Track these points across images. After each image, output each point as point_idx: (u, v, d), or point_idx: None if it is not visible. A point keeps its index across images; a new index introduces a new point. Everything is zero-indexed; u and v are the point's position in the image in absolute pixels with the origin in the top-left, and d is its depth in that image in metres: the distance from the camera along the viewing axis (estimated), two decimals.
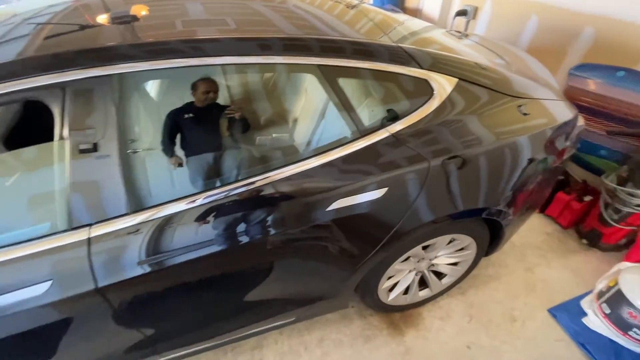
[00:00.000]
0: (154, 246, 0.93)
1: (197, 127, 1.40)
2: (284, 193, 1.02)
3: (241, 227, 1.02)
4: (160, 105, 1.37)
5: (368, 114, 1.09)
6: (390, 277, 1.39)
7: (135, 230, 0.91)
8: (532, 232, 2.06)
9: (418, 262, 1.41)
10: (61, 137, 0.84)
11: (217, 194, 0.98)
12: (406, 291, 1.50)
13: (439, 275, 1.54)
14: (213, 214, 0.98)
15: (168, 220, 0.94)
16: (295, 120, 1.58)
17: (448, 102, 1.12)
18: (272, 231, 1.03)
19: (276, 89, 1.68)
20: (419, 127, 1.09)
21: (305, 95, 1.48)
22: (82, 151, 0.85)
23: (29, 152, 1.15)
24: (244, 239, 1.02)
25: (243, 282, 1.17)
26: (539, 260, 1.89)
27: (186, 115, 1.36)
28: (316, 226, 1.07)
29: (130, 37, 0.95)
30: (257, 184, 1.00)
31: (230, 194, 0.99)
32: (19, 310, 0.87)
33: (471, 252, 1.46)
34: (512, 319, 1.60)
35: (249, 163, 1.46)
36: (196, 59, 0.93)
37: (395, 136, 1.06)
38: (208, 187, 1.06)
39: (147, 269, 0.93)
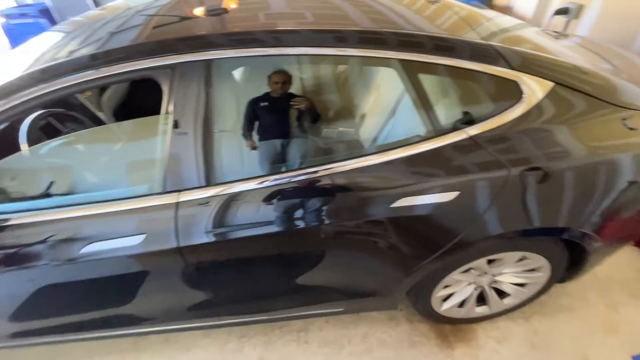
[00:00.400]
0: (220, 219, 1.03)
1: (270, 115, 1.50)
2: (345, 185, 1.05)
3: (299, 212, 1.07)
4: (244, 92, 1.50)
5: (445, 113, 1.06)
6: (446, 287, 1.33)
7: (205, 202, 1.02)
8: (622, 266, 1.78)
9: (480, 275, 1.32)
10: (166, 112, 0.97)
11: (281, 179, 1.05)
12: (462, 304, 1.42)
13: (501, 293, 1.43)
14: (275, 197, 1.05)
15: (234, 197, 1.03)
16: (363, 116, 1.59)
17: (537, 107, 1.03)
18: (329, 220, 1.07)
19: (347, 84, 1.71)
20: (501, 132, 1.02)
21: (376, 91, 1.48)
22: (179, 127, 0.98)
23: (135, 124, 1.35)
24: (301, 224, 1.07)
25: (296, 265, 1.23)
26: (627, 299, 1.64)
27: (262, 104, 1.48)
28: (375, 222, 1.07)
29: (220, 27, 1.06)
30: (319, 174, 1.04)
31: (293, 180, 1.05)
32: (114, 255, 1.04)
33: (543, 275, 1.32)
34: (584, 357, 1.42)
35: (314, 153, 1.52)
36: (275, 48, 1.00)
37: (473, 139, 1.01)
38: (274, 171, 1.14)
39: (212, 239, 1.04)
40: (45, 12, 5.08)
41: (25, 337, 1.33)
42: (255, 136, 1.45)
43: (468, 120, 1.05)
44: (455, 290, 1.38)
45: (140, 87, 2.16)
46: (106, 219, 1.03)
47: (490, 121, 1.03)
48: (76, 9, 5.05)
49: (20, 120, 1.33)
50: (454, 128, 1.04)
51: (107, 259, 1.05)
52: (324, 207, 1.07)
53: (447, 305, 1.41)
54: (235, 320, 1.39)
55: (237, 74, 1.53)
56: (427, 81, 1.05)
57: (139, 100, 2.02)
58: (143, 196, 1.03)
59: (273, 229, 1.06)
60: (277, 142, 1.49)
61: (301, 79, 1.70)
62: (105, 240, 1.03)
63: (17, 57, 1.18)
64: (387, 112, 1.31)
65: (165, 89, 0.96)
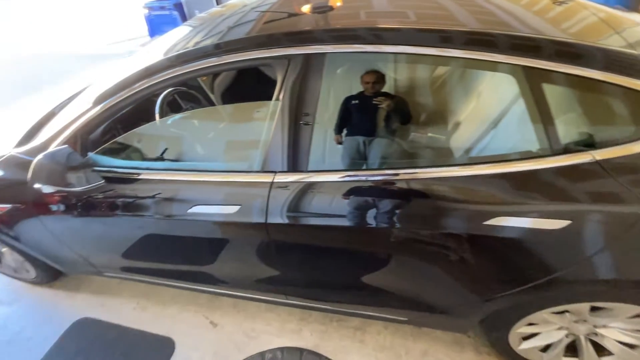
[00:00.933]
0: (300, 204, 1.09)
1: (360, 112, 1.53)
2: (426, 192, 1.01)
3: (373, 211, 1.06)
4: (343, 89, 1.55)
5: (566, 130, 0.93)
6: (531, 324, 1.18)
7: (293, 186, 1.08)
8: None
9: (577, 322, 1.14)
10: (277, 99, 1.06)
11: (361, 176, 1.06)
12: (546, 348, 1.25)
13: (601, 349, 1.21)
14: (352, 192, 1.06)
15: (314, 185, 1.08)
16: (458, 123, 1.49)
17: None
18: (403, 225, 1.04)
19: (444, 88, 1.62)
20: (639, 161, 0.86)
21: (477, 98, 1.37)
22: (287, 114, 1.06)
23: (242, 107, 1.49)
24: (372, 223, 1.06)
25: (362, 263, 1.23)
26: None
27: (354, 101, 1.51)
28: (456, 236, 1.01)
29: (323, 23, 1.10)
30: (401, 176, 1.02)
31: (373, 178, 1.05)
32: (209, 220, 1.18)
33: None
34: None
35: (398, 155, 1.49)
36: (373, 45, 1.00)
37: (600, 164, 0.87)
38: (354, 167, 1.16)
39: (291, 221, 1.10)
40: (179, 6, 6.02)
41: (128, 273, 1.61)
42: (343, 131, 1.49)
43: (592, 142, 0.91)
44: (541, 331, 1.21)
45: (244, 76, 2.38)
46: (209, 187, 1.17)
47: (626, 146, 0.87)
48: (203, 3, 5.86)
49: (157, 95, 1.60)
50: (574, 149, 0.91)
51: (202, 222, 1.20)
52: (400, 211, 1.05)
53: (527, 344, 1.25)
54: (297, 302, 1.46)
55: (341, 71, 1.59)
56: (551, 92, 0.93)
57: (242, 87, 2.23)
58: (243, 172, 1.14)
59: (344, 222, 1.08)
60: (361, 139, 1.50)
61: (396, 79, 1.68)
62: (205, 205, 1.17)
63: (157, 46, 1.42)
64: (487, 122, 1.21)
65: (279, 78, 1.05)
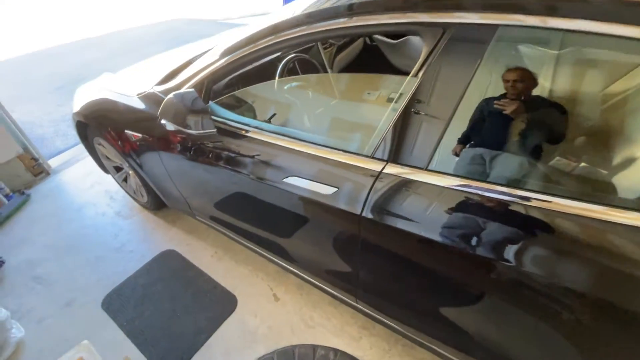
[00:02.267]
0: (396, 204, 0.91)
1: (492, 117, 1.21)
2: (565, 230, 0.73)
3: (482, 235, 0.82)
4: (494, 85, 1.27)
5: None
6: None
7: (403, 183, 0.90)
8: None
9: None
10: (415, 75, 0.88)
11: (478, 188, 0.84)
12: None
13: None
14: (465, 207, 0.84)
15: (425, 187, 0.88)
16: (635, 159, 1.08)
17: None
18: (518, 263, 0.78)
19: (623, 107, 1.19)
20: None
21: None
22: (423, 100, 0.88)
23: (362, 81, 1.36)
24: (474, 249, 0.82)
25: (447, 292, 1.00)
26: None
27: (490, 103, 1.20)
28: (608, 305, 0.70)
29: None
30: (533, 203, 0.77)
31: (490, 195, 0.82)
32: (300, 194, 1.09)
33: None
34: None
35: (533, 176, 1.15)
36: (538, 17, 0.72)
37: None
38: (471, 176, 0.91)
39: (384, 220, 0.94)
40: None
41: (215, 222, 1.68)
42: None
43: None
44: None
45: (368, 54, 2.23)
46: (310, 160, 1.08)
47: None
48: None
49: (280, 60, 1.60)
50: None
51: (292, 194, 1.12)
52: (519, 244, 0.79)
53: None
54: (366, 309, 1.31)
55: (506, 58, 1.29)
56: None
57: (362, 67, 2.09)
58: (350, 153, 1.01)
59: (448, 239, 0.86)
60: (483, 152, 1.20)
61: (553, 81, 1.30)
62: (301, 177, 1.09)
63: (289, 7, 1.36)
64: None
65: (424, 50, 0.86)
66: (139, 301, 1.68)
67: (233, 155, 1.26)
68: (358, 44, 2.25)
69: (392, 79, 1.01)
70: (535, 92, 1.12)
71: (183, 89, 1.30)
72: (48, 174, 2.76)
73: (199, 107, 1.17)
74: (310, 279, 1.45)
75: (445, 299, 1.04)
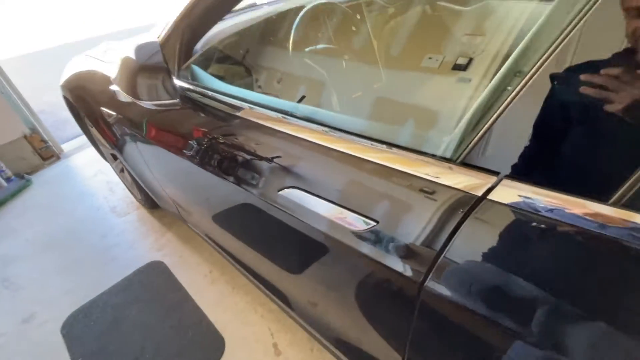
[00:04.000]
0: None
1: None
2: None
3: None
4: None
5: None
6: None
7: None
8: None
9: None
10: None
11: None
12: None
13: None
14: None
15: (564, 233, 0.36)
16: None
17: None
18: None
19: None
20: None
21: None
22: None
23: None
24: None
25: None
26: None
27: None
28: None
29: None
30: None
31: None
32: (307, 225, 0.60)
33: None
34: None
35: None
36: None
37: None
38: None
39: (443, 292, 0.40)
40: None
41: (202, 232, 1.26)
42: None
43: None
44: None
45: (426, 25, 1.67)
46: (333, 162, 0.59)
47: None
48: None
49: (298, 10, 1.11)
50: None
51: (293, 218, 0.63)
52: None
53: None
54: None
55: None
56: None
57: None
58: (408, 151, 0.50)
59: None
60: None
61: None
62: (309, 193, 0.60)
63: None
64: None
65: None
66: (105, 328, 1.31)
67: (214, 143, 0.80)
68: (415, 12, 1.70)
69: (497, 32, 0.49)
70: None
71: (148, 40, 0.86)
72: (59, 158, 2.55)
73: (153, 65, 0.73)
74: (323, 340, 0.95)
75: None
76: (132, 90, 0.73)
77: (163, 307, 1.36)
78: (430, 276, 0.45)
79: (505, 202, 0.39)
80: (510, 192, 0.40)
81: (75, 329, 1.32)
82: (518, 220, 0.38)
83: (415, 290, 0.46)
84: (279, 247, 0.86)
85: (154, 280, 1.48)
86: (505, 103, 0.40)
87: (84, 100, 1.34)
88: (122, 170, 1.85)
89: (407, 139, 0.54)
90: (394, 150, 0.51)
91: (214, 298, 1.37)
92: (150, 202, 1.72)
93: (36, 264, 1.63)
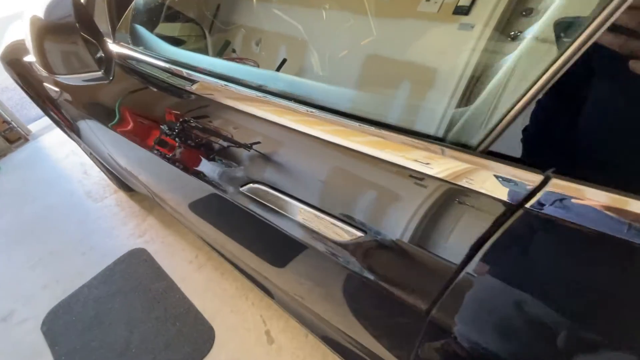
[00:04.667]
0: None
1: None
2: None
3: None
4: None
5: None
6: None
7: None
8: None
9: None
10: None
11: None
12: None
13: None
14: None
15: None
16: None
17: None
18: None
19: None
20: None
21: None
22: None
23: None
24: None
25: None
26: None
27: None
28: None
29: None
30: None
31: None
32: (282, 231, 0.47)
33: None
34: None
35: None
36: None
37: None
38: None
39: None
40: None
41: (175, 212, 1.11)
42: None
43: None
44: None
45: None
46: (313, 147, 0.45)
47: None
48: None
49: None
50: None
51: (279, 229, 0.51)
52: None
53: None
54: None
55: None
56: None
57: None
58: (410, 135, 0.36)
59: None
60: None
61: None
62: (278, 192, 0.47)
63: None
64: None
65: None
66: (87, 324, 1.23)
67: (173, 126, 0.65)
68: None
69: None
70: None
71: None
72: (26, 140, 2.35)
73: (71, 24, 0.55)
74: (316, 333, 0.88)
75: None
76: (44, 61, 0.56)
77: (147, 297, 1.28)
78: (439, 302, 0.33)
79: (554, 214, 0.26)
80: (564, 186, 0.26)
81: (56, 326, 1.24)
82: (572, 238, 0.26)
83: (422, 313, 0.35)
84: (256, 239, 0.74)
85: (137, 270, 1.38)
86: (554, 68, 0.26)
87: (24, 76, 1.15)
88: (91, 153, 1.69)
89: (406, 118, 0.39)
90: (392, 134, 0.37)
91: (201, 285, 1.29)
92: (124, 185, 1.58)
93: (8, 258, 1.52)
